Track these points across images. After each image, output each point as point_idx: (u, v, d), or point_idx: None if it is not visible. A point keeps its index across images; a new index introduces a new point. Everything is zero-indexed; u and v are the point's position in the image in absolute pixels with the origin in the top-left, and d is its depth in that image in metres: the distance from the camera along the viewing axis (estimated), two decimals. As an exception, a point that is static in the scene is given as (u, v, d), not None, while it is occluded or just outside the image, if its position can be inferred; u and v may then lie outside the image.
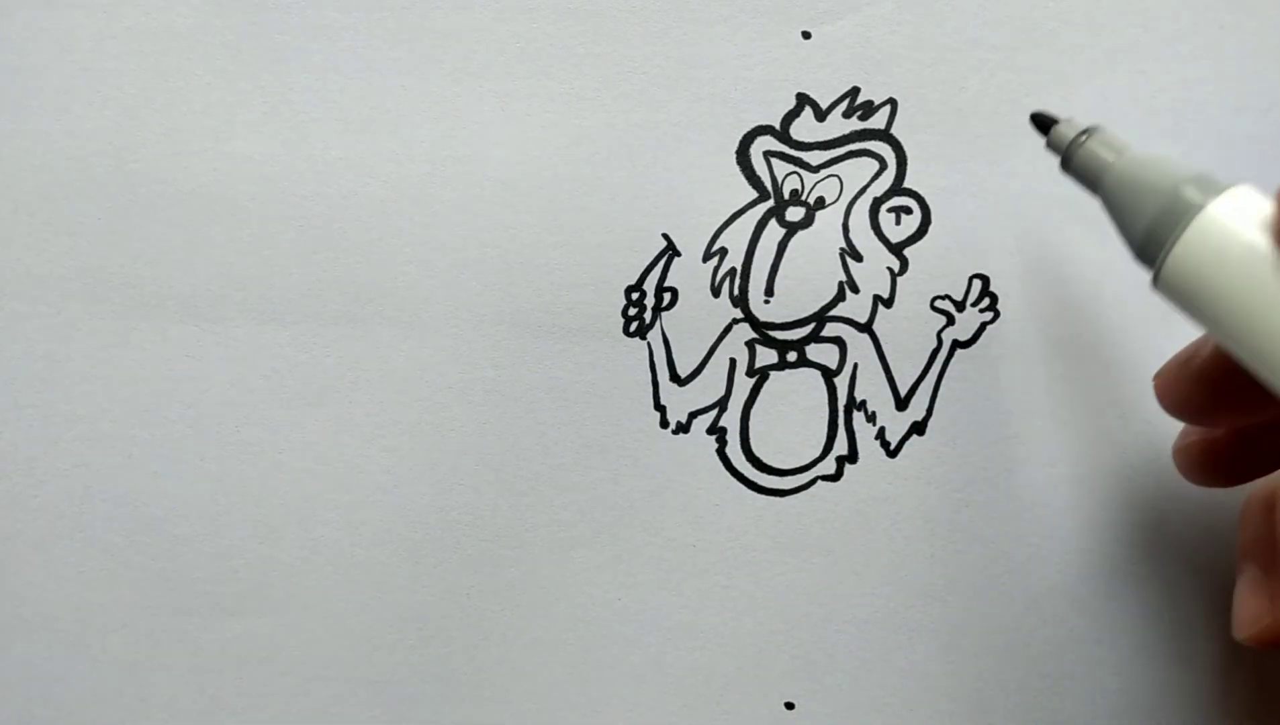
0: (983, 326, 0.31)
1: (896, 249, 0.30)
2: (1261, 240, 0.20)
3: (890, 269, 0.31)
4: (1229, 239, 0.21)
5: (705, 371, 0.31)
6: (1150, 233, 0.22)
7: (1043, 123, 0.26)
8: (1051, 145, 0.25)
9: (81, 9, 0.29)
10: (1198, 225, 0.21)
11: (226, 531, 0.30)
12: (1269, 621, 0.23)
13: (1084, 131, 0.25)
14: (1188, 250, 0.21)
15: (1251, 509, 0.25)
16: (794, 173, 0.30)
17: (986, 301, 0.31)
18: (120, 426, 0.30)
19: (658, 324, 0.30)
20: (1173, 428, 0.30)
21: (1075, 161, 0.25)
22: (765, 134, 0.30)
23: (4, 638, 0.30)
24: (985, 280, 0.31)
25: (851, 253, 0.30)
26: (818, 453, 0.31)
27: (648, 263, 0.30)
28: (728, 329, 0.31)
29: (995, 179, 0.30)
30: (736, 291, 0.30)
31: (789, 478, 0.31)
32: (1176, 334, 0.31)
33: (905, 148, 0.30)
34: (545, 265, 0.30)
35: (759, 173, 0.30)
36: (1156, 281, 0.22)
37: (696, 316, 0.30)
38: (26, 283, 0.30)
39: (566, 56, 0.30)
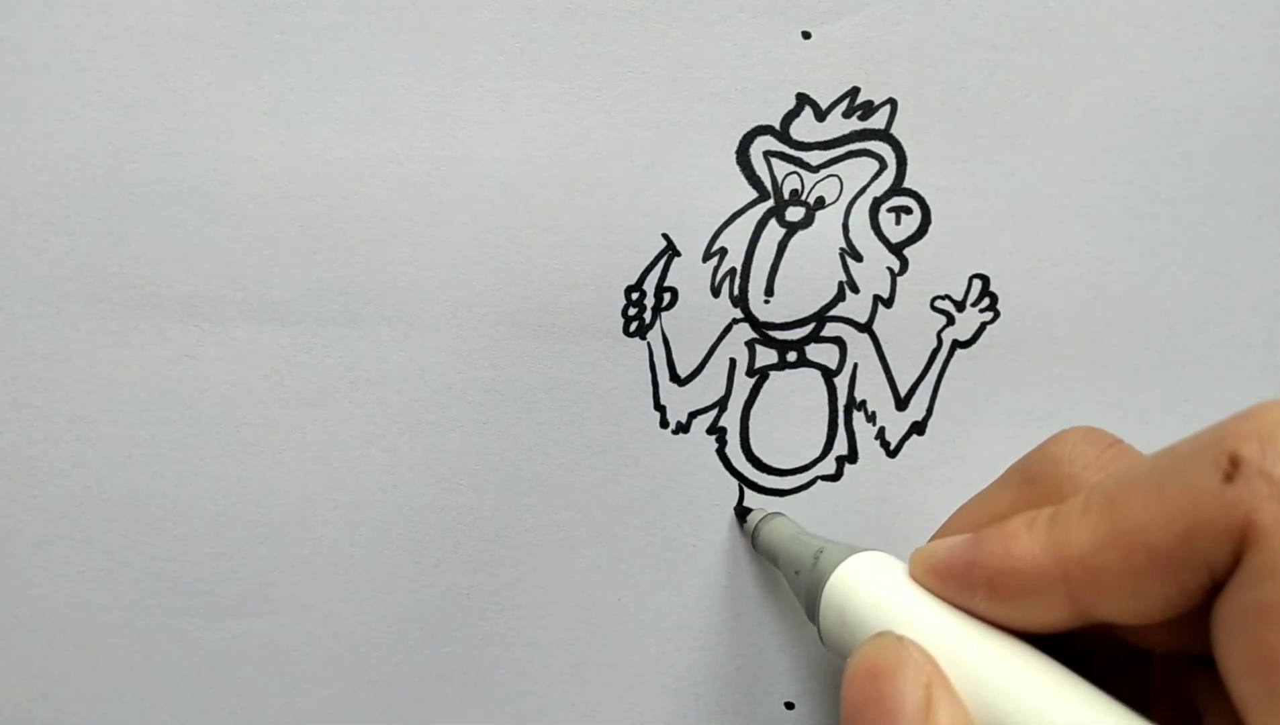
0: (983, 326, 0.31)
1: (896, 249, 0.30)
2: (877, 600, 0.22)
3: (890, 269, 0.31)
4: (854, 603, 0.23)
5: (705, 371, 0.31)
6: (808, 603, 0.25)
7: (740, 513, 0.31)
8: (745, 532, 0.31)
9: (81, 9, 0.29)
10: (827, 594, 0.24)
11: (226, 531, 0.30)
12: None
13: (765, 517, 0.30)
14: (827, 612, 0.24)
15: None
16: (794, 173, 0.30)
17: (986, 301, 0.31)
18: (120, 426, 0.30)
19: (658, 324, 0.30)
20: (1171, 428, 0.30)
21: (758, 543, 0.29)
22: (765, 134, 0.30)
23: (4, 638, 0.30)
24: (985, 280, 0.31)
25: (851, 253, 0.30)
26: (818, 453, 0.31)
27: (648, 263, 0.30)
28: (728, 329, 0.31)
29: (995, 179, 0.30)
30: (736, 291, 0.30)
31: (789, 477, 0.31)
32: (1175, 334, 0.31)
33: (905, 148, 0.30)
34: (545, 265, 0.30)
35: (759, 173, 0.30)
36: (823, 641, 0.24)
37: (696, 316, 0.30)
38: (26, 283, 0.30)
39: (566, 56, 0.30)
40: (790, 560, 0.27)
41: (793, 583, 0.26)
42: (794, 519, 0.30)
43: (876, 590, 0.23)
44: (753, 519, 0.30)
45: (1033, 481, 0.23)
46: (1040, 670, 0.20)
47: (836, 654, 0.23)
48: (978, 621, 0.21)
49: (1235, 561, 0.18)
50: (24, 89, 0.29)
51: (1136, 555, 0.18)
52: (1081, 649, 0.22)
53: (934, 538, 0.25)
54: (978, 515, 0.24)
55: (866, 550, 0.24)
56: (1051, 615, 0.20)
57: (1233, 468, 0.17)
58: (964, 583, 0.21)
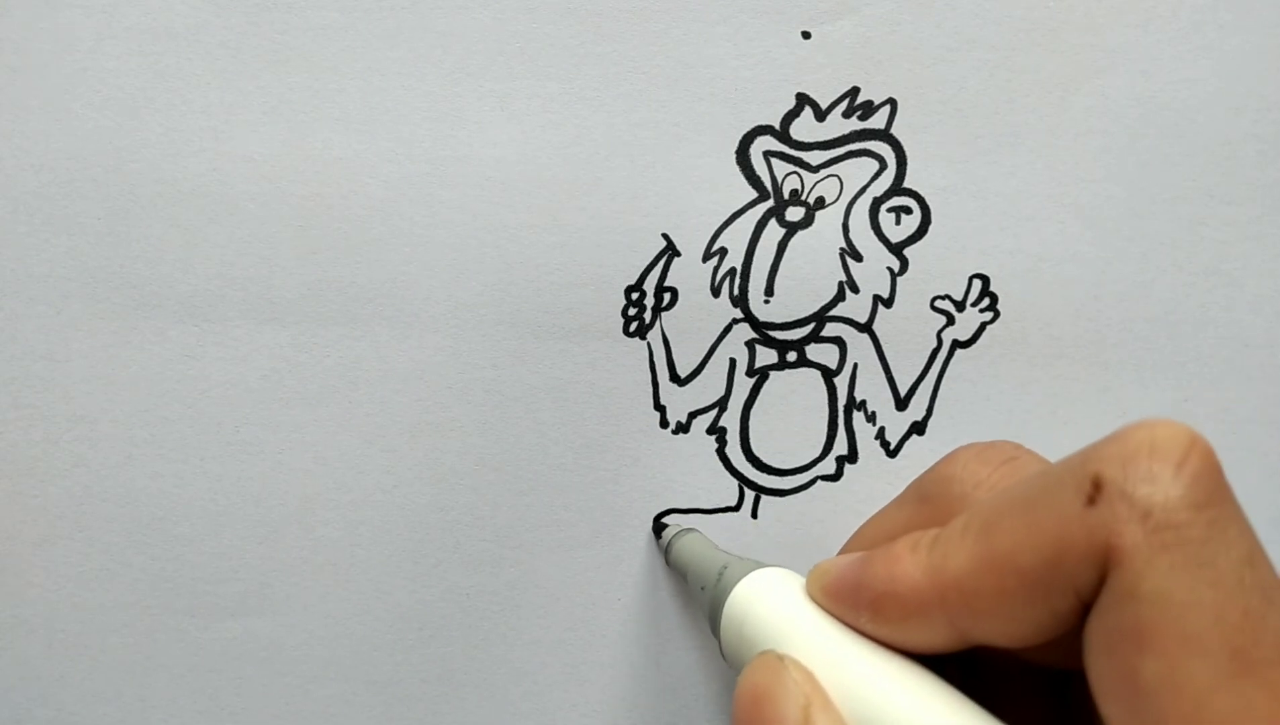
0: (983, 326, 0.31)
1: (896, 249, 0.31)
2: (771, 617, 0.23)
3: (890, 269, 0.31)
4: (751, 619, 0.23)
5: (705, 371, 0.31)
6: (711, 619, 0.25)
7: (655, 527, 0.31)
8: (660, 547, 0.31)
9: (81, 9, 0.29)
10: (728, 610, 0.24)
11: (226, 531, 0.30)
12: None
13: (679, 533, 0.30)
14: (727, 627, 0.24)
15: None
16: (794, 173, 0.30)
17: (986, 301, 0.31)
18: (120, 426, 0.30)
19: (658, 324, 0.30)
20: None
21: (670, 558, 0.29)
22: (765, 134, 0.30)
23: (4, 638, 0.30)
24: (985, 280, 0.31)
25: (851, 253, 0.30)
26: (818, 453, 0.31)
27: (648, 263, 0.30)
28: (728, 329, 0.31)
29: (995, 179, 0.30)
30: (736, 291, 0.30)
31: (789, 477, 0.31)
32: (1175, 334, 0.31)
33: (905, 148, 0.30)
34: (545, 265, 0.30)
35: (759, 173, 0.30)
36: (724, 657, 0.24)
37: (696, 316, 0.30)
38: (26, 283, 0.30)
39: (566, 56, 0.30)
40: (697, 576, 0.26)
41: (699, 599, 0.26)
42: (708, 537, 0.29)
43: (771, 607, 0.23)
44: (667, 534, 0.30)
45: (926, 501, 0.23)
46: (920, 687, 0.19)
47: (736, 671, 0.23)
48: (866, 640, 0.21)
49: (1100, 584, 0.17)
50: (24, 89, 0.29)
51: (1008, 579, 0.18)
52: (998, 665, 0.22)
53: (839, 554, 0.25)
54: (875, 534, 0.24)
55: (770, 567, 0.24)
56: (933, 637, 0.20)
57: (1095, 491, 0.17)
58: (851, 603, 0.21)
